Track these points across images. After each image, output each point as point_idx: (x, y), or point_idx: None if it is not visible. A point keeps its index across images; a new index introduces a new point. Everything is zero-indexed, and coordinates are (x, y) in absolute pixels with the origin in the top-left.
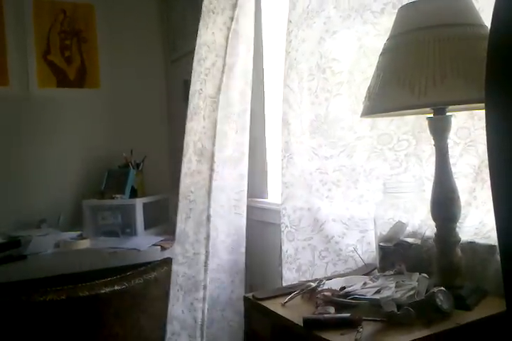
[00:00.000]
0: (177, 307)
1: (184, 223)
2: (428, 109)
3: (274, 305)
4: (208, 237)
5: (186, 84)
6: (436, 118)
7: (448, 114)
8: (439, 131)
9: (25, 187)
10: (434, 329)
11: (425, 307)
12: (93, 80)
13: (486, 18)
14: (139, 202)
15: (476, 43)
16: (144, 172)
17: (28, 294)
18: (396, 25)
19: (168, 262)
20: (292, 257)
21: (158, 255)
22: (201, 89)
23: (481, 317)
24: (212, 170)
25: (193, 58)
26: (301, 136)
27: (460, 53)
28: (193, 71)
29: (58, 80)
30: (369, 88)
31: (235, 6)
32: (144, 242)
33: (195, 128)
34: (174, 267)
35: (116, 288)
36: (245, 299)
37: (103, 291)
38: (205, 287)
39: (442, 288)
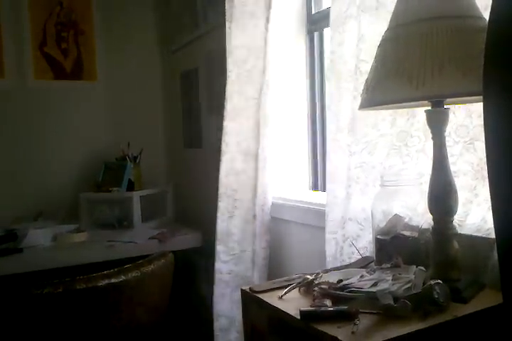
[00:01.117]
0: (224, 304)
1: (227, 222)
2: (426, 102)
3: (271, 298)
4: (254, 235)
5: (184, 76)
6: (434, 111)
7: (446, 106)
8: (437, 123)
9: (22, 180)
10: (431, 322)
11: (422, 300)
12: (90, 72)
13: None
14: (136, 195)
15: (475, 35)
16: (141, 165)
17: (24, 287)
18: (394, 16)
19: (165, 255)
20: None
21: (155, 248)
22: (241, 90)
23: (477, 309)
24: (257, 169)
25: (189, 50)
26: (338, 133)
27: (458, 45)
28: (229, 72)
29: (55, 72)
30: (367, 80)
31: (269, 8)
32: (141, 235)
33: (237, 128)
34: (217, 265)
35: (113, 280)
36: (242, 292)
37: (100, 284)
38: (253, 283)
39: (439, 280)
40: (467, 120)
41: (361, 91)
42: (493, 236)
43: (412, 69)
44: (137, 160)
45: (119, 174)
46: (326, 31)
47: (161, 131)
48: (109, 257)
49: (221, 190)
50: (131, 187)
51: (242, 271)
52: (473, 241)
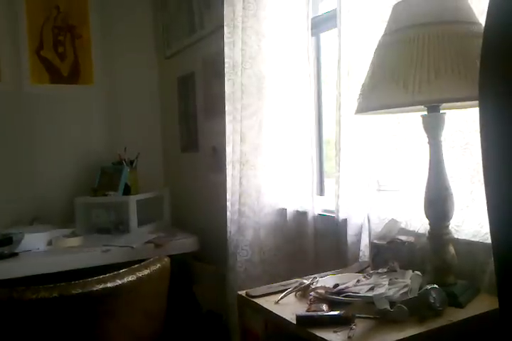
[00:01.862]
0: None
1: None
2: (422, 107)
3: (268, 303)
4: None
5: (181, 81)
6: (430, 116)
7: (442, 111)
8: (433, 128)
9: (18, 184)
10: (427, 327)
11: (418, 304)
12: (87, 76)
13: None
14: (132, 200)
15: (470, 41)
16: (138, 170)
17: (19, 292)
18: (390, 22)
19: (161, 259)
20: None
21: (151, 252)
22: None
23: (473, 314)
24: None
25: (186, 55)
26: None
27: (454, 51)
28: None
29: (51, 76)
30: (363, 85)
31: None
32: (137, 239)
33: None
34: None
35: (109, 285)
36: (238, 296)
37: (96, 289)
38: None
39: (435, 285)
40: (463, 125)
41: (357, 96)
42: (490, 241)
43: (407, 75)
44: (134, 165)
45: (116, 178)
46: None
47: (157, 135)
48: (105, 261)
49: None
50: (127, 191)
51: None
52: (470, 247)
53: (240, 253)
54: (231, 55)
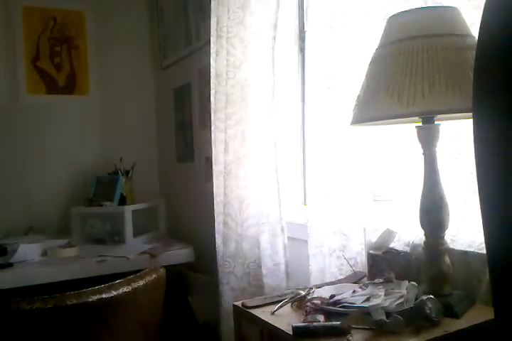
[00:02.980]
0: None
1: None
2: (416, 118)
3: (264, 314)
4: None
5: (177, 91)
6: (424, 127)
7: (436, 122)
8: (428, 139)
9: (13, 194)
10: (423, 337)
11: (414, 315)
12: (83, 87)
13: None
14: (127, 210)
15: (464, 53)
16: (134, 180)
17: (14, 302)
18: (385, 34)
19: (157, 270)
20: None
21: (147, 263)
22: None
23: (469, 325)
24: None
25: (182, 66)
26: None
27: (448, 63)
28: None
29: (48, 87)
30: (358, 97)
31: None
32: (132, 250)
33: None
34: None
35: (104, 296)
36: (234, 307)
37: (91, 300)
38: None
39: (431, 295)
40: (456, 135)
41: (353, 107)
42: (485, 251)
43: (402, 87)
44: (129, 175)
45: (111, 188)
46: None
47: (153, 145)
48: (100, 272)
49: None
50: (123, 201)
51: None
52: (465, 257)
53: (225, 265)
54: (214, 65)
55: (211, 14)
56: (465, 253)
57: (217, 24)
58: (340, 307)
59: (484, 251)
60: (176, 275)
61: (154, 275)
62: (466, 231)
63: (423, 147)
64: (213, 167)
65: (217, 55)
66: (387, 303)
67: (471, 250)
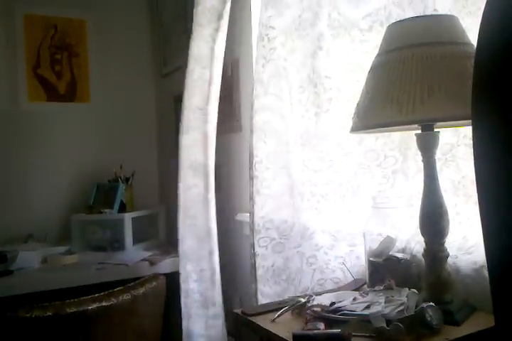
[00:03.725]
0: (197, 326)
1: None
2: (416, 125)
3: (264, 321)
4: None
5: (176, 99)
6: (424, 135)
7: (436, 130)
8: (427, 146)
9: (13, 201)
10: None
11: (414, 322)
12: (83, 94)
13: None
14: (127, 217)
15: (463, 61)
16: (134, 187)
17: (13, 310)
18: (384, 42)
19: (157, 277)
20: (281, 268)
21: (146, 270)
22: (190, 101)
23: (469, 332)
24: (208, 184)
25: (183, 73)
26: (293, 146)
27: (447, 71)
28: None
29: (48, 94)
30: (358, 104)
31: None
32: (132, 257)
33: (186, 142)
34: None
35: (104, 304)
36: (234, 315)
37: (90, 308)
38: (213, 303)
39: (431, 303)
40: (450, 138)
41: (352, 115)
42: (475, 256)
43: (401, 95)
44: (129, 182)
45: (111, 196)
46: None
47: (153, 152)
48: (100, 279)
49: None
50: (123, 208)
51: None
52: (458, 263)
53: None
54: None
55: None
56: (455, 257)
57: None
58: (340, 314)
59: (474, 255)
60: (176, 282)
61: (154, 283)
62: (456, 234)
63: (422, 154)
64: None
65: None
66: (387, 311)
67: (461, 253)
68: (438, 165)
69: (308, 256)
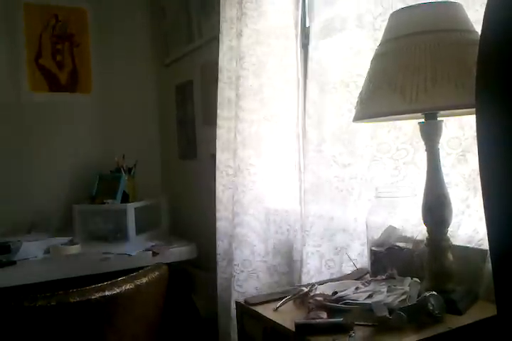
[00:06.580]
0: None
1: None
2: (419, 114)
3: (266, 310)
4: None
5: (179, 88)
6: (427, 124)
7: (439, 119)
8: (430, 135)
9: (15, 192)
10: (426, 334)
11: (417, 311)
12: (85, 85)
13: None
14: (130, 207)
15: (467, 49)
16: (136, 177)
17: (17, 300)
18: (388, 30)
19: (160, 267)
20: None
21: (149, 260)
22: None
23: (472, 321)
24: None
25: (184, 63)
26: (322, 145)
27: (451, 59)
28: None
29: (50, 85)
30: (360, 93)
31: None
32: (135, 247)
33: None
34: None
35: (107, 293)
36: (237, 304)
37: (94, 297)
38: None
39: (434, 292)
40: (459, 132)
41: (355, 104)
42: (485, 247)
43: (404, 83)
44: (132, 172)
45: (114, 186)
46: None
47: (156, 142)
48: (103, 269)
49: None
50: (125, 199)
51: None
52: (466, 252)
53: (219, 263)
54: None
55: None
56: (465, 249)
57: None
58: (342, 303)
59: (483, 247)
60: (179, 272)
61: (157, 273)
62: (467, 227)
63: (426, 144)
64: (217, 165)
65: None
66: (389, 300)
67: (471, 245)
68: (450, 160)
69: (327, 259)
